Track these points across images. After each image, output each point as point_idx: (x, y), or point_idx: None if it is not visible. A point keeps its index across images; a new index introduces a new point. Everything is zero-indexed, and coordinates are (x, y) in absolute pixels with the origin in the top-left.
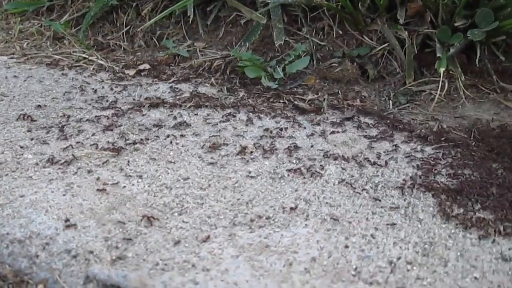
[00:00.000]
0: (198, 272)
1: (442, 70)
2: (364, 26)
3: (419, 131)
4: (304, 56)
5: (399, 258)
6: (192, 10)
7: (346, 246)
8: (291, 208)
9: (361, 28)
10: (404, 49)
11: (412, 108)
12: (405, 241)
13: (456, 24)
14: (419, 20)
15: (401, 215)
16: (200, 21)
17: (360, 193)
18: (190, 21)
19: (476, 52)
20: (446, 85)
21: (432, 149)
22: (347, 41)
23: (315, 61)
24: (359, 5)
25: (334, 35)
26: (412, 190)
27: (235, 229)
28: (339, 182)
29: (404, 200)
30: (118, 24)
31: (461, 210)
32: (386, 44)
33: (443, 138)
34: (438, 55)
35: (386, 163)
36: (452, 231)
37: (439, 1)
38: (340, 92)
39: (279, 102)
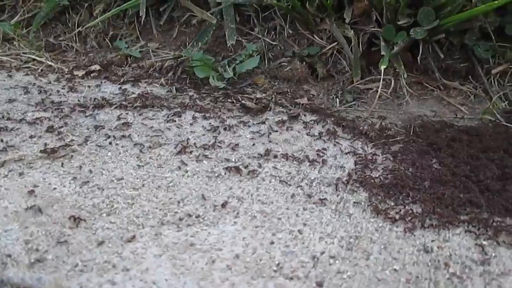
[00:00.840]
0: (118, 272)
1: (383, 67)
2: (314, 25)
3: (361, 128)
4: (255, 56)
5: (322, 253)
6: (144, 10)
7: (272, 242)
8: (222, 206)
9: (311, 27)
10: (351, 48)
11: (358, 106)
12: (331, 236)
13: (399, 23)
14: (366, 19)
15: (331, 211)
16: (154, 22)
17: (294, 190)
18: (143, 22)
19: (420, 50)
20: (392, 82)
21: (373, 145)
22: (298, 40)
23: (266, 61)
24: (308, 4)
25: (286, 35)
26: (346, 186)
27: (163, 228)
28: (275, 180)
29: (337, 196)
30: (70, 25)
31: (392, 204)
32: (335, 43)
33: (384, 135)
34: (382, 53)
35: (325, 160)
36: (380, 224)
37: (384, 0)
38: (289, 91)
39: (227, 101)
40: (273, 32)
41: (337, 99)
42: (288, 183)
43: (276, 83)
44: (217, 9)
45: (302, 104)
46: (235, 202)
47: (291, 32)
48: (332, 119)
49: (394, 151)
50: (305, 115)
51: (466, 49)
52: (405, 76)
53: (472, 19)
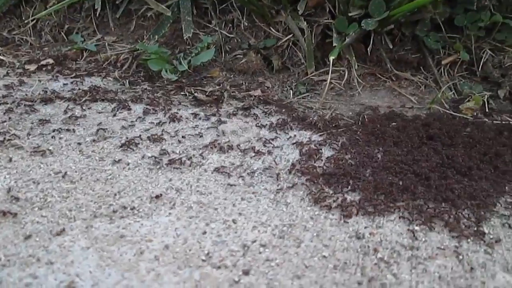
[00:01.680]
0: (41, 266)
1: (332, 58)
2: (270, 18)
3: (311, 119)
4: (210, 49)
5: (254, 242)
6: (99, 2)
7: (204, 232)
8: (157, 197)
9: (267, 20)
10: (305, 40)
11: (311, 97)
12: (265, 224)
13: (350, 14)
14: (320, 11)
15: (269, 200)
16: (111, 15)
17: (235, 181)
18: (98, 15)
19: (373, 41)
20: (346, 74)
21: (320, 136)
22: (255, 33)
23: (223, 53)
24: None
25: (243, 27)
26: (288, 176)
27: (95, 221)
28: (217, 171)
29: (277, 186)
30: (24, 18)
31: (330, 193)
32: (290, 35)
33: (333, 125)
34: (334, 44)
35: (270, 151)
36: (316, 213)
37: None
38: (244, 83)
39: (180, 94)
40: (230, 25)
41: (291, 91)
42: (230, 174)
43: (232, 75)
44: (174, 2)
45: (255, 96)
46: (173, 194)
47: (248, 24)
48: (283, 110)
49: (340, 141)
50: (257, 107)
51: (418, 40)
52: (356, 67)
53: (422, 10)
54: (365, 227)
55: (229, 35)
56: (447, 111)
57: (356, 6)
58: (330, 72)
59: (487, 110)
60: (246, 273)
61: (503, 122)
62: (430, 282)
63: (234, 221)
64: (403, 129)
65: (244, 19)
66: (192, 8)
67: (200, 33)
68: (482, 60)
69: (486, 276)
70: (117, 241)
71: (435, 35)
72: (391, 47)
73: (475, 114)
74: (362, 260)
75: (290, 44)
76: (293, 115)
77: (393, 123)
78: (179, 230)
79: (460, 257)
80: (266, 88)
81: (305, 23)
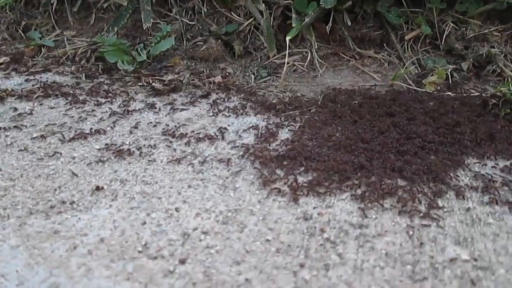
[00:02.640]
0: None
1: (288, 38)
2: (231, 2)
3: (270, 102)
4: (170, 37)
5: (195, 229)
6: None
7: (144, 223)
8: (99, 189)
9: (228, 5)
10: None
11: (273, 80)
12: (209, 211)
13: None
14: None
15: (217, 186)
16: (69, 9)
17: (184, 168)
18: (57, 10)
19: (334, 20)
20: (309, 55)
21: (278, 118)
22: (217, 19)
23: (185, 41)
24: None
25: (204, 14)
26: (240, 160)
27: (30, 217)
28: (167, 159)
29: (228, 171)
30: None
31: (282, 175)
32: (251, 19)
33: (292, 107)
34: (293, 25)
35: (225, 136)
36: (265, 196)
37: None
38: (205, 71)
39: (138, 85)
40: (191, 12)
41: (252, 76)
42: (180, 161)
43: (193, 63)
44: None
45: (215, 83)
46: (116, 185)
47: (209, 10)
48: (243, 95)
49: (298, 122)
50: (217, 93)
51: (380, 17)
52: (316, 47)
53: None
54: (314, 208)
55: (190, 22)
56: (410, 86)
57: None
58: (286, 53)
59: (450, 83)
60: (182, 262)
61: (465, 95)
62: (376, 260)
63: (177, 210)
64: (363, 107)
65: (205, 5)
66: None
67: (161, 22)
68: (445, 33)
69: (436, 250)
70: (50, 238)
71: (396, 10)
72: (349, 24)
73: (438, 88)
74: (307, 242)
75: (252, 28)
76: (252, 99)
77: (354, 102)
78: (118, 222)
79: (411, 232)
80: (227, 74)
81: (264, 5)
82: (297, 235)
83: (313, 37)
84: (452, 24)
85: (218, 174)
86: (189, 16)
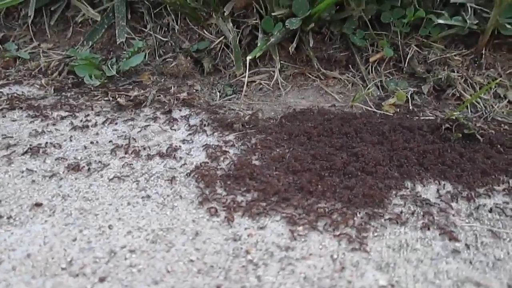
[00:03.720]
0: None
1: (249, 58)
2: (203, 21)
3: (229, 120)
4: (141, 53)
5: (123, 247)
6: (33, 9)
7: (74, 239)
8: (38, 205)
9: (201, 23)
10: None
11: (237, 98)
12: (142, 229)
13: (274, 14)
14: (250, 12)
15: (156, 204)
16: (48, 22)
17: (129, 185)
18: (36, 22)
19: (301, 41)
20: (276, 74)
21: (233, 137)
22: (190, 36)
23: (157, 57)
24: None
25: (178, 31)
26: (185, 179)
27: None
28: (114, 175)
29: (171, 189)
30: None
31: (224, 194)
32: (222, 37)
33: (250, 126)
34: (258, 44)
35: (176, 154)
36: (201, 215)
37: None
38: (173, 87)
39: (104, 100)
40: (165, 29)
41: (218, 93)
42: (126, 179)
43: (163, 79)
44: (110, 7)
45: (180, 99)
46: (57, 201)
47: (183, 27)
48: (204, 113)
49: (252, 141)
50: (180, 110)
51: (347, 39)
52: (279, 67)
53: (348, 8)
54: (246, 229)
55: (163, 39)
56: (370, 108)
57: (279, 5)
58: (246, 73)
59: (410, 107)
60: (102, 280)
61: (421, 118)
62: (293, 284)
63: (110, 227)
64: (318, 128)
65: (179, 22)
66: (127, 13)
67: (136, 38)
68: (408, 56)
69: (355, 275)
70: None
71: (361, 32)
72: (311, 45)
73: (398, 110)
74: (230, 263)
75: (222, 46)
76: (212, 117)
77: (310, 123)
78: (49, 238)
79: (335, 256)
80: (194, 91)
81: (231, 24)
82: (222, 256)
83: (277, 57)
84: (415, 48)
85: (160, 192)
86: (163, 32)
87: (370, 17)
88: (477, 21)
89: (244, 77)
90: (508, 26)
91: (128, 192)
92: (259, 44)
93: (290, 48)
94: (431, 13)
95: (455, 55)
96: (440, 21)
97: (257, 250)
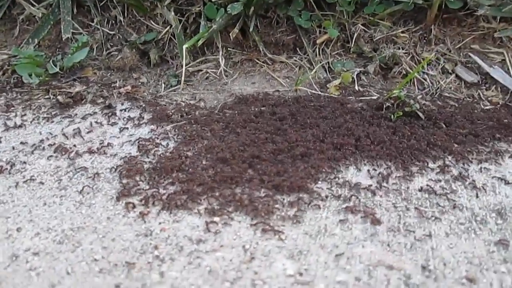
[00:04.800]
0: None
1: (185, 46)
2: (149, 11)
3: (168, 112)
4: (85, 48)
5: (27, 250)
6: None
7: None
8: None
9: (147, 14)
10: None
11: (183, 89)
12: (51, 230)
13: (213, 0)
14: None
15: (74, 202)
16: None
17: (50, 185)
18: None
19: (247, 26)
20: (223, 62)
21: (170, 128)
22: (138, 27)
23: (105, 51)
24: None
25: (125, 24)
26: (111, 174)
27: None
28: (37, 175)
29: (93, 186)
30: None
31: (146, 188)
32: (168, 27)
33: (188, 117)
34: (200, 31)
35: (106, 150)
36: (117, 212)
37: None
38: (118, 81)
39: (44, 98)
40: (113, 22)
41: (163, 85)
42: (48, 178)
43: (109, 73)
44: (55, 2)
45: (123, 93)
46: None
47: (130, 20)
48: (145, 105)
49: (188, 132)
50: (122, 104)
51: (294, 21)
52: (222, 53)
53: None
54: (160, 223)
55: (110, 32)
56: (315, 91)
57: None
58: (184, 62)
59: (356, 87)
60: None
61: (365, 98)
62: (196, 278)
63: (18, 230)
64: (258, 116)
65: (126, 15)
66: (73, 8)
67: (83, 32)
68: (355, 35)
69: (264, 265)
70: None
71: (306, 14)
72: (251, 29)
73: (343, 92)
74: (136, 260)
75: (170, 36)
76: (152, 109)
77: (250, 110)
78: None
79: (247, 246)
80: (140, 83)
81: (173, 13)
82: (128, 253)
83: (220, 44)
84: (362, 27)
85: (80, 190)
86: (110, 25)
87: None
88: None
89: (194, 66)
90: (454, 0)
91: (47, 192)
92: (200, 32)
93: (231, 34)
94: None
95: (401, 32)
96: None
97: (166, 245)
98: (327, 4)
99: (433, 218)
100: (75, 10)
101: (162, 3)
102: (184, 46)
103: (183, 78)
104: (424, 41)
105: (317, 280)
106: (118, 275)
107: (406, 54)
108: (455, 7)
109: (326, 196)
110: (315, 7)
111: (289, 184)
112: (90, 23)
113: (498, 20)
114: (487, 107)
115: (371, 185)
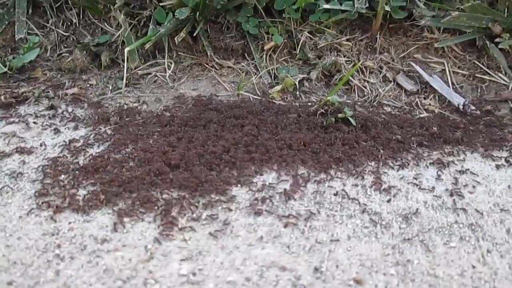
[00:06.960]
0: None
1: (127, 50)
2: (103, 14)
3: (107, 114)
4: (35, 48)
5: None
6: None
7: None
8: None
9: (102, 16)
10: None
11: (129, 92)
12: None
13: (162, 4)
14: (146, 4)
15: None
16: None
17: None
18: None
19: (195, 31)
20: (173, 65)
21: (106, 130)
22: (93, 30)
23: (57, 53)
24: None
25: (80, 25)
26: (35, 174)
27: None
28: None
29: (14, 186)
30: None
31: (67, 188)
32: (122, 30)
33: (126, 119)
34: (148, 35)
35: (36, 151)
36: (31, 211)
37: None
38: (67, 82)
39: None
40: (68, 23)
41: (111, 87)
42: None
43: (59, 75)
44: (10, 2)
45: (69, 95)
46: None
47: (86, 21)
48: (88, 107)
49: (122, 135)
50: (66, 106)
51: (242, 27)
52: (168, 58)
53: None
54: (70, 223)
55: (65, 33)
56: (257, 96)
57: None
58: (125, 66)
59: (298, 93)
60: None
61: (303, 104)
62: (90, 276)
63: None
64: (197, 120)
65: (81, 17)
66: (28, 8)
67: (38, 33)
68: (300, 42)
69: (160, 265)
70: None
71: (254, 20)
72: (195, 34)
73: (285, 97)
74: (36, 258)
75: (122, 39)
76: (93, 111)
77: (190, 114)
78: None
79: (149, 246)
80: (88, 85)
81: (123, 16)
82: (30, 252)
83: (168, 48)
84: (308, 34)
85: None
86: (65, 27)
87: (264, 4)
88: (367, 6)
89: (143, 69)
90: (399, 10)
91: None
92: (147, 35)
93: (176, 38)
94: None
95: (346, 40)
96: (326, 6)
97: (70, 244)
98: (277, 12)
99: (340, 222)
100: (30, 11)
101: (113, 6)
102: (126, 49)
103: (124, 81)
104: (369, 49)
105: (208, 280)
106: (14, 273)
107: (348, 62)
108: (399, 17)
109: (242, 199)
110: (264, 14)
111: (208, 187)
112: (46, 24)
113: (441, 31)
114: (422, 115)
115: (287, 189)
